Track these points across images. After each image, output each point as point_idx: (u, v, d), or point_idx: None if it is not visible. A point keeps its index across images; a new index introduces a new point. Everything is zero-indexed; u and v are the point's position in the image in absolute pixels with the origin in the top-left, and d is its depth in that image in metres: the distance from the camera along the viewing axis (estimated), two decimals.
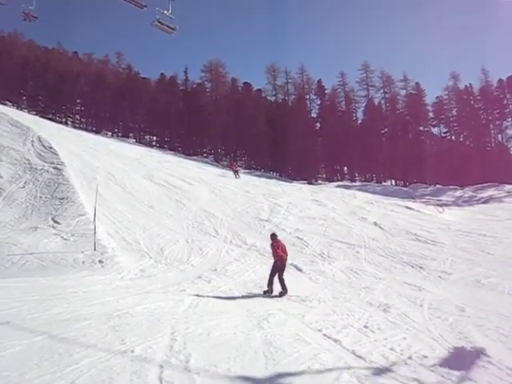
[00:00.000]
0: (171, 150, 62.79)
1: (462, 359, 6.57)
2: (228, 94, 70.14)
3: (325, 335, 7.46)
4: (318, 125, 67.66)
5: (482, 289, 12.66)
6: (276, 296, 11.03)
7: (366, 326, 8.13)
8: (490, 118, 60.77)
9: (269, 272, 11.42)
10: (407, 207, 27.73)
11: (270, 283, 11.14)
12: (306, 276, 14.17)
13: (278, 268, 11.20)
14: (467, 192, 43.75)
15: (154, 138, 72.06)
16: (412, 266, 15.52)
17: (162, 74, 77.32)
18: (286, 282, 11.46)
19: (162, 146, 68.11)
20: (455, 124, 62.56)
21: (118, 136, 67.27)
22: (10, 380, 4.68)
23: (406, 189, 48.06)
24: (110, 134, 68.15)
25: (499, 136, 60.94)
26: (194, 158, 58.41)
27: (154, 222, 20.03)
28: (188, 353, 5.95)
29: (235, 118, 63.35)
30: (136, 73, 76.59)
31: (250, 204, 25.00)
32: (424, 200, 36.70)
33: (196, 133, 68.01)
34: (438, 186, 50.03)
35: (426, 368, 6.05)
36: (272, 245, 11.52)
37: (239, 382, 5.19)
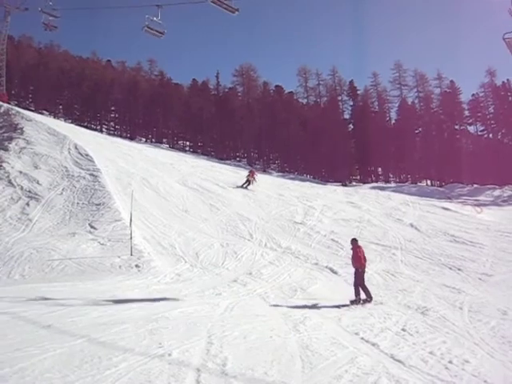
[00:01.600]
0: (204, 155, 63.23)
1: (504, 364, 6.38)
2: (260, 98, 70.18)
3: (362, 338, 7.37)
4: (351, 126, 66.91)
5: None
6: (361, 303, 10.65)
7: (404, 330, 8.00)
8: None
9: (352, 281, 11.05)
10: (444, 208, 27.12)
11: (357, 293, 10.66)
12: (341, 279, 14.04)
13: (362, 275, 10.83)
14: (506, 191, 42.40)
15: (187, 143, 72.68)
16: (450, 268, 15.19)
17: (193, 79, 78.07)
18: (322, 285, 11.39)
19: (195, 150, 68.67)
20: (492, 122, 60.73)
21: (151, 142, 68.23)
22: (53, 382, 4.80)
23: (442, 189, 46.97)
24: (143, 140, 69.17)
25: None
26: (227, 162, 58.63)
27: (188, 226, 20.21)
28: (224, 356, 5.97)
29: (267, 122, 63.36)
30: (168, 79, 77.59)
31: (284, 207, 24.94)
32: (461, 200, 35.77)
33: (229, 137, 68.35)
34: (476, 185, 48.67)
35: (468, 373, 5.90)
36: (354, 251, 11.14)
37: None
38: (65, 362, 5.44)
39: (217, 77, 75.19)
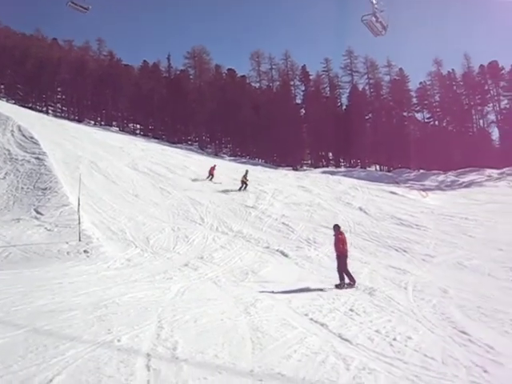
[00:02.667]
0: (155, 138, 62.17)
1: (443, 339, 6.72)
2: (212, 81, 69.59)
3: (311, 319, 7.53)
4: (303, 111, 67.59)
5: (463, 271, 12.94)
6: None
7: (351, 310, 8.23)
8: (472, 103, 61.25)
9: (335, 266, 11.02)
10: (391, 192, 27.99)
11: (342, 277, 10.59)
12: (292, 261, 14.25)
13: (344, 260, 10.76)
14: (450, 176, 44.28)
15: (138, 126, 71.16)
16: (396, 250, 15.72)
17: (144, 60, 76.36)
18: (273, 268, 11.53)
19: (145, 134, 67.41)
20: (438, 109, 62.96)
21: (100, 125, 66.43)
22: None
23: (390, 174, 48.47)
24: (92, 122, 67.26)
25: (480, 121, 61.64)
26: (179, 145, 57.81)
27: (139, 210, 19.90)
28: (175, 340, 5.96)
29: (220, 105, 62.99)
30: (118, 60, 75.36)
31: (235, 191, 24.97)
32: (408, 185, 37.07)
33: (180, 120, 67.42)
34: (422, 170, 50.58)
35: (410, 349, 6.17)
36: (336, 237, 11.07)
37: (226, 368, 5.21)
38: (8, 352, 5.24)
39: (168, 59, 73.90)
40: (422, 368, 5.52)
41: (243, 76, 72.00)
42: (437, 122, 63.37)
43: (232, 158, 57.65)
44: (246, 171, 26.72)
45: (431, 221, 20.18)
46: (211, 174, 28.09)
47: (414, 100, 64.25)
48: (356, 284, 10.60)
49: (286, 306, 8.41)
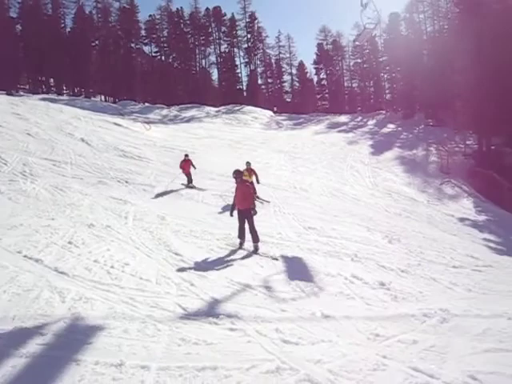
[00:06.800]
0: None
1: (158, 261, 7.36)
2: None
3: (25, 256, 7.17)
4: (19, 27, 59.63)
5: (180, 199, 14.06)
6: None
7: (70, 242, 8.12)
8: (197, 43, 64.45)
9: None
10: (116, 124, 27.90)
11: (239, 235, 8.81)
12: (5, 197, 12.89)
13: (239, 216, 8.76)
14: (173, 111, 46.39)
15: None
16: (119, 181, 15.89)
17: None
18: None
19: None
20: (165, 45, 64.09)
21: None
22: None
23: (115, 105, 47.68)
24: None
25: (203, 61, 65.62)
26: None
27: None
28: None
29: None
30: None
31: None
32: (132, 117, 37.29)
33: None
34: (147, 104, 51.54)
35: (127, 274, 6.58)
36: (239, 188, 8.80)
37: None
38: None
39: None
40: (137, 290, 5.96)
41: None
42: (164, 58, 64.62)
43: None
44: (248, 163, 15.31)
45: (153, 153, 21.04)
46: (186, 171, 16.21)
47: (143, 32, 63.75)
48: (258, 245, 8.67)
49: None
